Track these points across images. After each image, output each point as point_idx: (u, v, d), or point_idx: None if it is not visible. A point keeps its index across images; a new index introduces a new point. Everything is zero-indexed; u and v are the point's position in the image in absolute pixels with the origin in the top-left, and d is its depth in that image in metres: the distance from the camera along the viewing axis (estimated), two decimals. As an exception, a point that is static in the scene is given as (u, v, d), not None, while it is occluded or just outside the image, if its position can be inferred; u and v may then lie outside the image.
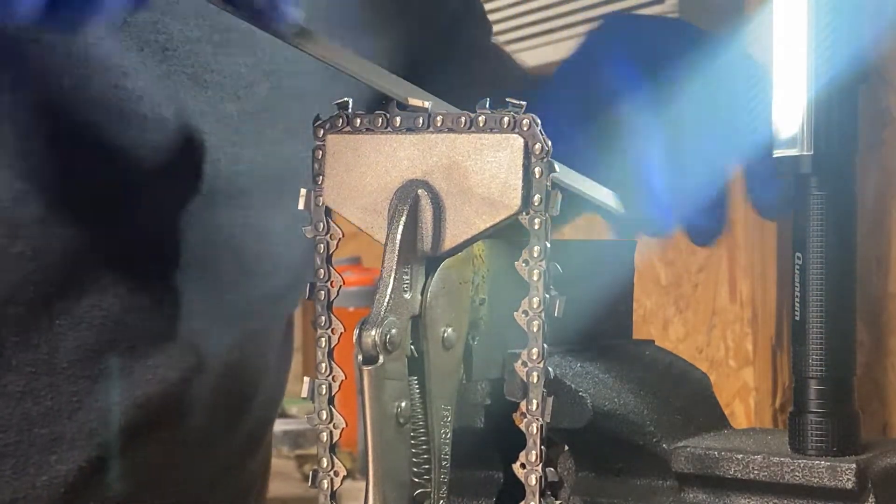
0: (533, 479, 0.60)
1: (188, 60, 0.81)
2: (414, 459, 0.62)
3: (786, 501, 0.67)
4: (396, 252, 0.60)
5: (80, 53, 0.77)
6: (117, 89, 0.79)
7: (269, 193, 0.86)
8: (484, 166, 0.60)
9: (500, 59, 1.05)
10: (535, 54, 1.78)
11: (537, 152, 0.59)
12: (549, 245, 0.59)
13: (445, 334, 0.62)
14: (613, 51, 0.81)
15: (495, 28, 1.08)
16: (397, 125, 0.62)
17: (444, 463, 0.62)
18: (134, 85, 0.79)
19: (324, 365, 0.64)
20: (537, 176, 0.59)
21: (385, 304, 0.59)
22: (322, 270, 0.64)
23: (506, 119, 0.59)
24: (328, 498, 0.63)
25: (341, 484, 0.64)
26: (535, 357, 0.60)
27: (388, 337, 0.59)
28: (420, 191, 0.60)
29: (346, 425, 0.64)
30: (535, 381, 0.60)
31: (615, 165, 0.76)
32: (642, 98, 0.77)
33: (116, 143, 0.80)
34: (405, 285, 0.60)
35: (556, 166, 0.59)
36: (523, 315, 0.60)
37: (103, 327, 0.81)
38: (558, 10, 1.81)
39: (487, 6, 1.07)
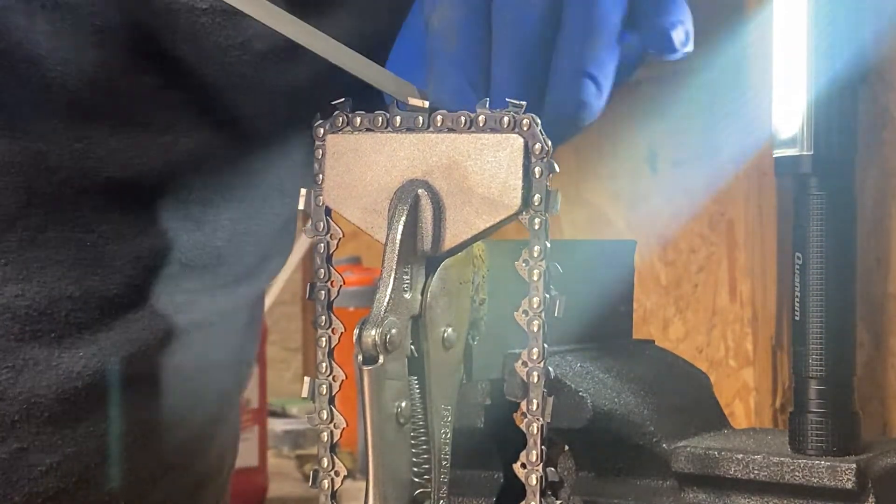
0: (533, 479, 0.60)
1: (126, 44, 0.79)
2: (414, 459, 0.62)
3: (786, 501, 0.67)
4: (396, 252, 0.60)
5: None
6: (51, 70, 0.77)
7: (210, 184, 0.84)
8: (484, 166, 0.60)
9: None
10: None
11: (537, 152, 0.59)
12: (548, 245, 0.60)
13: (445, 334, 0.62)
14: None
15: None
16: (397, 125, 0.62)
17: (444, 463, 0.63)
18: (69, 69, 0.78)
19: (324, 365, 0.64)
20: (537, 176, 0.59)
21: (385, 303, 0.59)
22: (322, 270, 0.64)
23: (506, 119, 0.60)
24: (328, 498, 0.63)
25: (342, 484, 0.64)
26: (535, 357, 0.60)
27: (388, 337, 0.59)
28: (420, 191, 0.60)
29: (347, 425, 0.64)
30: (535, 380, 0.60)
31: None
32: None
33: (39, 121, 0.78)
34: (405, 285, 0.60)
35: (557, 168, 0.59)
36: (523, 315, 0.60)
37: (27, 317, 0.80)
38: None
39: None
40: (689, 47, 0.68)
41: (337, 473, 0.63)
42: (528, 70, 0.65)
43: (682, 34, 0.67)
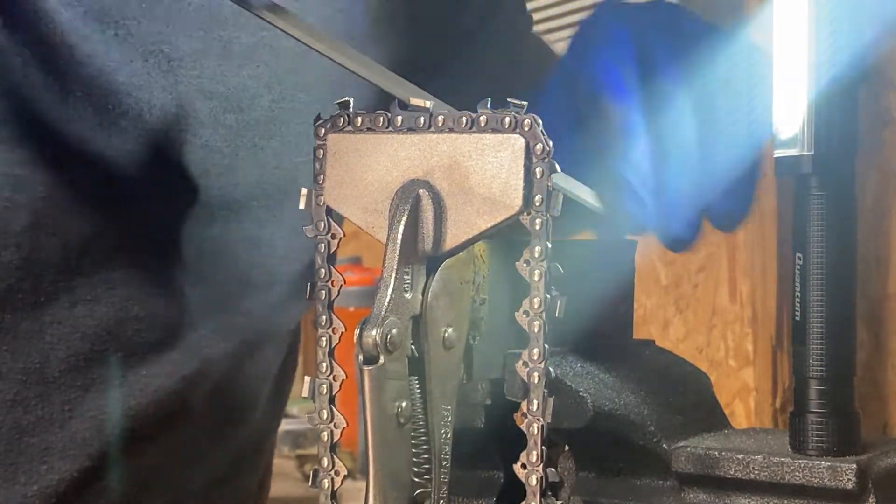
0: (533, 480, 0.60)
1: (193, 72, 0.81)
2: (414, 459, 0.62)
3: (786, 501, 0.67)
4: (397, 252, 0.60)
5: (77, 63, 0.77)
6: (118, 99, 0.79)
7: (267, 205, 0.86)
8: (485, 166, 0.60)
9: (539, 50, 1.03)
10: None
11: (538, 152, 0.59)
12: (549, 245, 0.59)
13: (446, 334, 0.62)
14: (603, 46, 0.79)
15: (536, 18, 1.06)
16: (399, 125, 0.62)
17: (444, 463, 0.62)
18: (139, 95, 0.79)
19: (324, 364, 0.64)
20: (538, 176, 0.59)
21: (386, 304, 0.59)
22: (323, 270, 0.64)
23: (507, 119, 0.59)
24: (329, 498, 0.63)
25: (342, 484, 0.64)
26: (535, 357, 0.60)
27: (388, 337, 0.59)
28: (421, 191, 0.60)
29: (347, 425, 0.64)
30: (535, 381, 0.60)
31: (608, 167, 0.75)
32: (637, 94, 0.76)
33: (111, 152, 0.79)
34: (406, 285, 0.60)
35: (558, 168, 0.59)
36: (524, 315, 0.60)
37: (96, 337, 0.81)
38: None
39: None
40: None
41: (337, 473, 0.63)
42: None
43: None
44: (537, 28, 1.08)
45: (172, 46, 0.80)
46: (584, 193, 0.70)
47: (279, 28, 0.66)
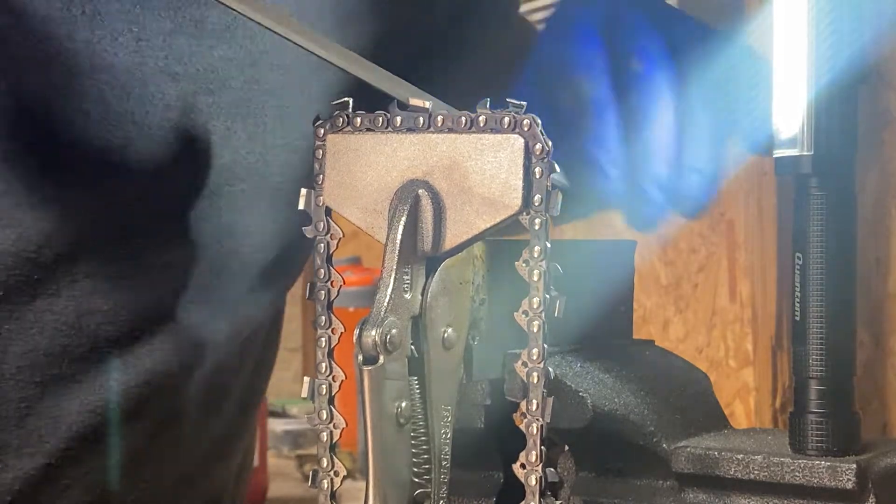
0: (533, 480, 0.60)
1: (161, 52, 0.79)
2: (414, 459, 0.62)
3: (786, 502, 0.67)
4: (397, 252, 0.60)
5: (37, 43, 0.75)
6: (92, 82, 0.77)
7: (241, 190, 0.83)
8: (484, 166, 0.60)
9: (523, 29, 1.02)
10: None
11: (538, 152, 0.59)
12: (549, 245, 0.59)
13: (446, 334, 0.62)
14: (576, 24, 0.78)
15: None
16: (398, 125, 0.62)
17: (444, 463, 0.62)
18: (101, 76, 0.77)
19: (324, 365, 0.64)
20: (538, 176, 0.59)
21: (385, 304, 0.59)
22: (322, 270, 0.64)
23: (506, 119, 0.59)
24: (328, 498, 0.63)
25: (341, 484, 0.64)
26: (535, 357, 0.60)
27: (388, 337, 0.59)
28: (420, 191, 0.60)
29: (346, 425, 0.64)
30: (535, 381, 0.60)
31: (577, 143, 0.74)
32: (608, 72, 0.75)
33: (72, 138, 0.77)
34: (405, 285, 0.60)
35: (557, 168, 0.59)
36: (523, 315, 0.60)
37: (56, 331, 0.79)
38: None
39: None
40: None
41: (337, 473, 0.63)
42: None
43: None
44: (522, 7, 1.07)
45: (140, 26, 0.78)
46: None
47: (251, 19, 0.64)
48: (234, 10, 0.64)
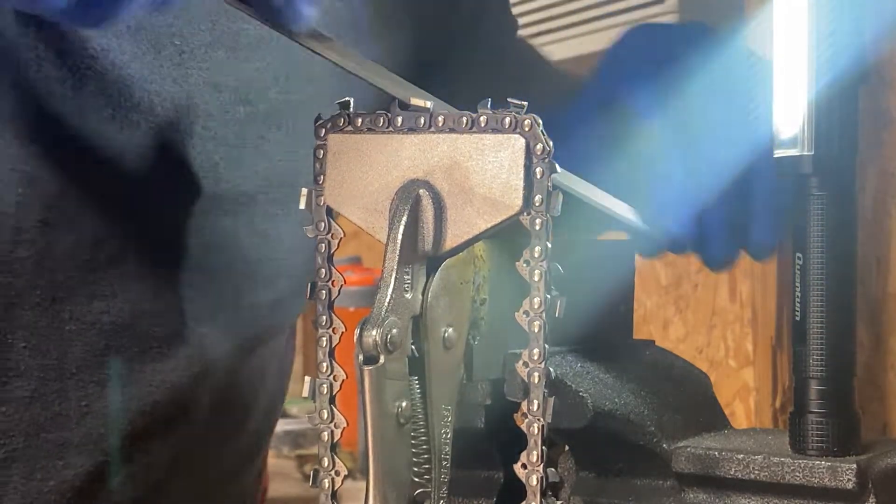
0: (534, 480, 0.60)
1: (203, 64, 0.81)
2: (414, 459, 0.62)
3: (786, 502, 0.67)
4: (397, 252, 0.60)
5: (91, 57, 0.77)
6: (129, 93, 0.79)
7: (275, 198, 0.86)
8: (485, 166, 0.60)
9: (526, 53, 1.04)
10: (561, 48, 1.78)
11: (539, 153, 0.59)
12: (549, 245, 0.60)
13: (446, 334, 0.62)
14: (633, 66, 0.81)
15: (521, 22, 1.08)
16: (399, 125, 0.62)
17: (444, 463, 0.63)
18: (150, 88, 0.79)
19: (325, 364, 0.64)
20: (538, 176, 0.59)
21: (386, 304, 0.59)
22: (323, 270, 0.64)
23: (507, 119, 0.59)
24: (329, 497, 0.63)
25: (342, 483, 0.64)
26: (536, 357, 0.60)
27: (388, 337, 0.59)
28: (421, 191, 0.60)
29: (347, 425, 0.64)
30: (536, 381, 0.60)
31: (639, 181, 0.77)
32: (664, 113, 0.78)
33: (122, 146, 0.79)
34: (406, 285, 0.60)
35: (558, 168, 0.60)
36: (524, 315, 0.60)
37: (112, 332, 0.81)
38: (583, 3, 1.81)
39: (513, 1, 1.07)
40: None
41: (337, 473, 0.63)
42: None
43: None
44: (524, 32, 1.09)
45: (183, 39, 0.80)
46: (617, 208, 0.72)
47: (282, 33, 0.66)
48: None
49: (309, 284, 0.64)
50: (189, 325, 0.84)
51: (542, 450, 0.60)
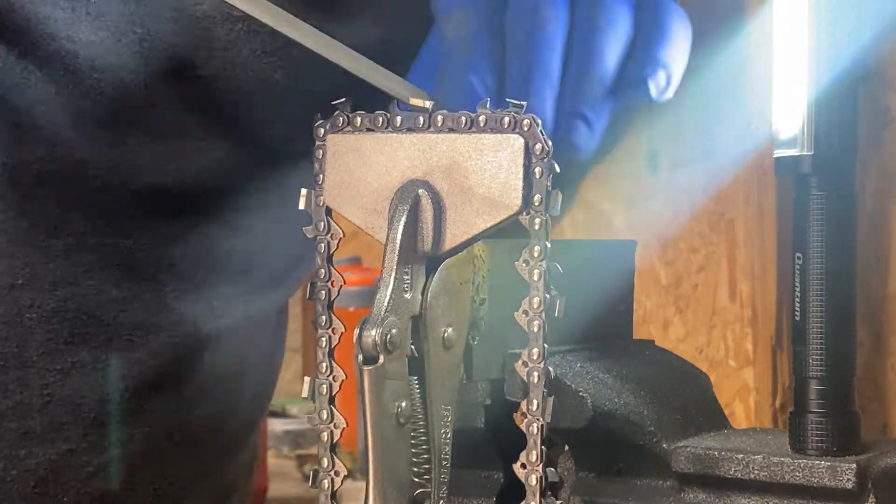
0: (533, 480, 0.60)
1: (165, 53, 0.79)
2: (414, 459, 0.62)
3: (786, 501, 0.67)
4: (397, 252, 0.60)
5: (43, 42, 0.76)
6: (79, 79, 0.77)
7: (245, 191, 0.85)
8: (484, 166, 0.60)
9: None
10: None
11: (538, 152, 0.59)
12: (549, 245, 0.60)
13: (446, 334, 0.62)
14: None
15: None
16: (398, 125, 0.62)
17: (444, 463, 0.62)
18: (107, 76, 0.78)
19: (324, 364, 0.64)
20: (538, 176, 0.59)
21: (385, 304, 0.59)
22: (323, 270, 0.64)
23: (506, 119, 0.59)
24: (329, 498, 0.63)
25: (342, 484, 0.64)
26: (535, 357, 0.60)
27: (388, 337, 0.59)
28: (420, 191, 0.60)
29: (347, 425, 0.64)
30: (535, 381, 0.60)
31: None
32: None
33: (78, 133, 0.78)
34: (405, 285, 0.60)
35: (557, 168, 0.59)
36: (524, 315, 0.60)
37: (76, 319, 0.80)
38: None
39: None
40: (669, 93, 0.68)
41: (337, 473, 0.63)
42: (543, 78, 0.65)
43: (663, 81, 0.67)
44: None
45: (144, 28, 0.79)
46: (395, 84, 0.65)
47: (257, 18, 0.65)
48: (238, 7, 0.64)
49: (308, 285, 0.64)
50: (155, 314, 0.83)
51: (541, 449, 0.60)
